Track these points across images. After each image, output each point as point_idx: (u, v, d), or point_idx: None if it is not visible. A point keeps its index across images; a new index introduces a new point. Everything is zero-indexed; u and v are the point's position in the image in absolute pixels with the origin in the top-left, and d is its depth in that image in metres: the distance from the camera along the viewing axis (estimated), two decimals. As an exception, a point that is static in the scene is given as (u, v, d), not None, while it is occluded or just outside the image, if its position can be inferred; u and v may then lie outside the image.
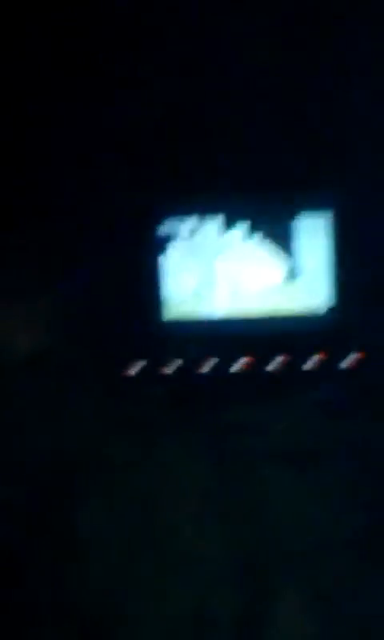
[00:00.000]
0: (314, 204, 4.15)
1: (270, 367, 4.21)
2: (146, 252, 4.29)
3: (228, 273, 4.29)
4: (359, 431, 3.53)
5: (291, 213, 4.15)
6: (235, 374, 4.25)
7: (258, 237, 4.20)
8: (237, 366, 4.26)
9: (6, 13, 3.74)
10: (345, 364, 4.14)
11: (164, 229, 4.26)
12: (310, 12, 3.79)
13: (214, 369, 4.27)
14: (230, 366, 4.26)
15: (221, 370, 4.27)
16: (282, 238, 4.18)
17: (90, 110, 4.05)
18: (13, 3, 3.75)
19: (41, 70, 3.93)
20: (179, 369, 4.31)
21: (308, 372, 4.16)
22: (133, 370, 4.31)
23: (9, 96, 3.97)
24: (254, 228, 4.20)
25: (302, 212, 4.14)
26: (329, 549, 2.91)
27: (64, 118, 4.05)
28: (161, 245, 4.28)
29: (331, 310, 4.22)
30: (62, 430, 3.85)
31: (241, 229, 4.21)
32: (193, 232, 4.26)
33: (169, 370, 4.31)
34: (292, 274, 4.22)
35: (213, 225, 4.23)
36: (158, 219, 4.26)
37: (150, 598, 2.85)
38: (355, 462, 3.31)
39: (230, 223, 4.21)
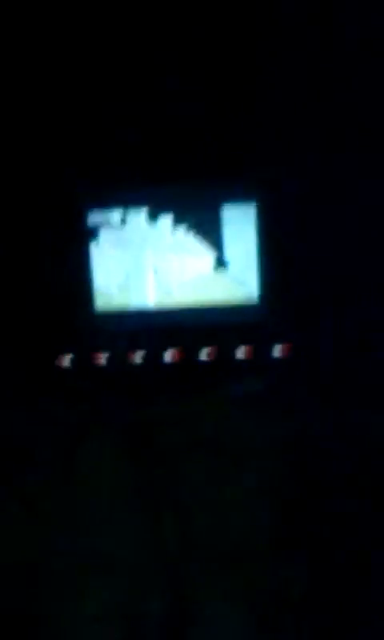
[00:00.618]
0: (239, 195, 4.12)
1: (199, 358, 4.21)
2: (72, 243, 4.21)
3: (156, 263, 4.24)
4: (285, 427, 3.55)
5: (217, 203, 4.12)
6: (165, 366, 4.24)
7: (184, 228, 4.16)
8: (166, 357, 4.24)
9: None
10: (273, 355, 4.16)
11: (91, 219, 4.18)
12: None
13: (144, 360, 4.26)
14: (159, 357, 4.25)
15: (150, 361, 4.25)
16: (208, 228, 4.15)
17: (15, 99, 3.94)
18: None
19: None
20: (108, 361, 4.27)
21: (236, 363, 4.18)
22: (62, 362, 4.26)
23: None
24: (180, 219, 4.15)
25: (228, 203, 4.11)
26: (248, 548, 2.94)
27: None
28: (88, 236, 4.20)
29: (259, 300, 4.22)
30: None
31: (167, 220, 4.15)
32: (121, 223, 4.19)
33: (98, 361, 4.27)
34: (219, 265, 4.21)
35: (140, 216, 4.16)
36: (84, 210, 4.17)
37: (71, 598, 2.84)
38: (279, 460, 3.34)
39: (156, 214, 4.16)
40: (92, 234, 4.20)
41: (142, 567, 2.89)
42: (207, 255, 4.19)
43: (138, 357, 4.25)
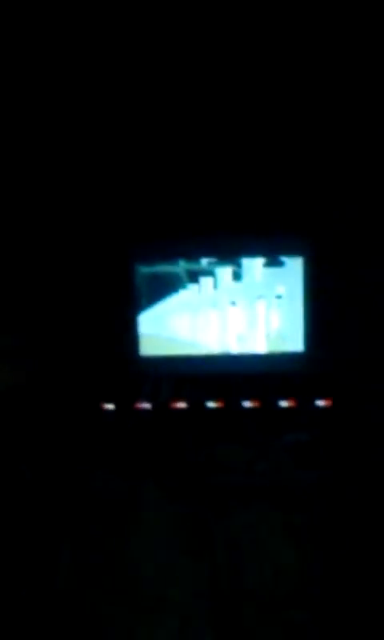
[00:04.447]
0: (289, 249, 4.32)
1: (244, 406, 4.31)
2: (124, 292, 4.40)
3: (204, 313, 4.43)
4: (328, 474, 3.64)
5: (268, 258, 4.30)
6: (208, 412, 4.34)
7: (236, 281, 4.34)
8: (210, 405, 4.35)
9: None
10: (316, 406, 4.26)
11: (145, 270, 4.39)
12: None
13: (188, 407, 4.37)
14: (203, 404, 4.36)
15: (194, 408, 4.36)
16: (258, 282, 4.33)
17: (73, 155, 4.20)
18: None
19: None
20: (153, 406, 4.39)
21: (279, 413, 4.28)
22: (108, 406, 4.38)
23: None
24: (233, 272, 4.35)
25: (279, 257, 4.30)
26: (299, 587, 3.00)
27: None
28: (140, 285, 4.40)
29: (304, 353, 4.37)
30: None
31: (220, 272, 4.35)
32: (176, 274, 4.39)
33: (143, 406, 4.39)
34: (267, 317, 4.37)
35: (195, 267, 4.36)
36: (137, 260, 4.38)
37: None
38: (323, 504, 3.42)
39: (209, 267, 4.36)
40: (145, 283, 4.41)
41: (192, 606, 2.95)
42: (255, 308, 4.36)
43: (181, 403, 4.36)
